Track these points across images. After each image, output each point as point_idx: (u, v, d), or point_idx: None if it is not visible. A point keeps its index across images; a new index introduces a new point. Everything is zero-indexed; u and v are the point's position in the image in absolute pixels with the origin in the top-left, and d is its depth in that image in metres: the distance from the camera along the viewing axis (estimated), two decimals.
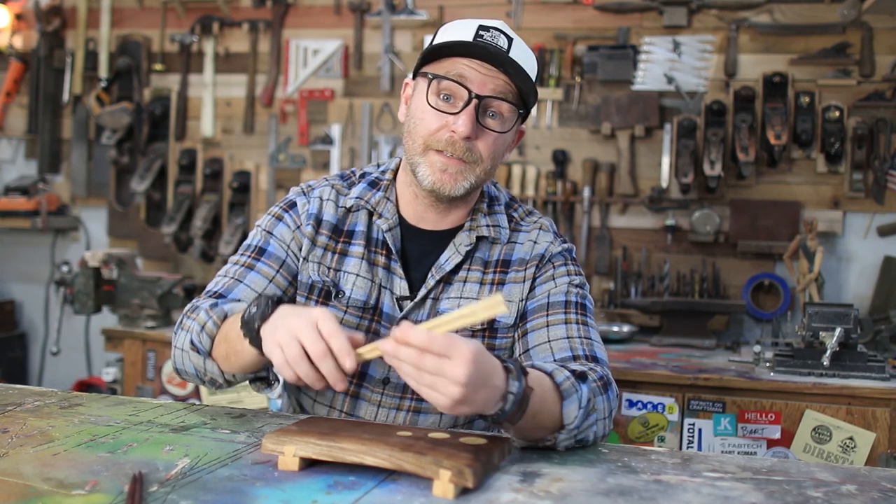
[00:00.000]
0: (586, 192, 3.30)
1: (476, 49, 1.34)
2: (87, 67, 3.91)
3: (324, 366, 1.09)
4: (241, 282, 1.43)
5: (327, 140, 3.60)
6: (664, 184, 3.24)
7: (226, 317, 1.32)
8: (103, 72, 3.85)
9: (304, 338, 1.09)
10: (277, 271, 1.47)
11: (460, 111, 1.35)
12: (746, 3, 3.19)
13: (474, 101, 1.35)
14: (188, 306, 1.41)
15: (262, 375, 1.36)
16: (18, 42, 4.02)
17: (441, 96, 1.37)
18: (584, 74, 3.33)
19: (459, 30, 1.38)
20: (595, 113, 3.32)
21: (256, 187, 3.68)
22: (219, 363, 1.33)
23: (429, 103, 1.38)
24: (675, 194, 3.20)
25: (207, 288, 1.45)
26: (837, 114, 3.05)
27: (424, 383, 1.03)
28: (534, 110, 3.36)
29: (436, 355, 1.01)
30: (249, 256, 1.47)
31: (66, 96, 3.95)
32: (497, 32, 1.37)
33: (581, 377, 1.26)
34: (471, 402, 1.04)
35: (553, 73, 3.36)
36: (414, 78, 1.46)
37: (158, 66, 3.82)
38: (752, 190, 3.19)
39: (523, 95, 1.38)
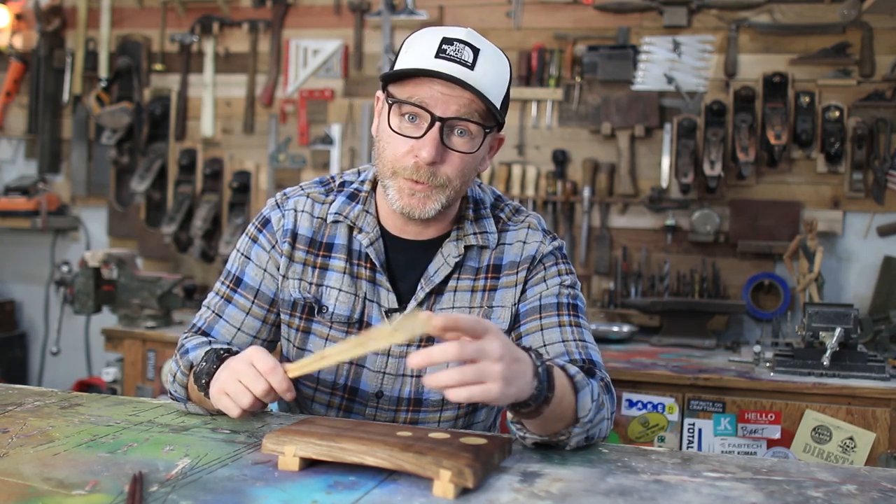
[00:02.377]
0: (586, 192, 3.30)
1: (436, 73, 1.28)
2: (87, 67, 3.91)
3: (267, 399, 1.23)
4: (220, 317, 1.50)
5: (327, 140, 3.60)
6: (664, 184, 3.24)
7: (192, 366, 1.38)
8: (103, 72, 3.85)
9: (244, 379, 1.22)
10: (253, 302, 1.49)
11: (424, 135, 1.31)
12: (746, 3, 3.19)
13: (437, 124, 1.30)
14: (178, 344, 1.48)
15: None
16: (18, 42, 4.02)
17: (406, 118, 1.33)
18: (584, 74, 3.33)
19: (423, 44, 1.32)
20: (595, 113, 3.32)
21: (256, 187, 3.68)
22: (198, 405, 1.41)
23: (391, 128, 1.34)
24: (675, 194, 3.20)
25: (193, 321, 1.52)
26: (837, 114, 3.05)
27: (470, 379, 1.03)
28: (534, 109, 3.38)
29: (471, 339, 1.03)
30: (228, 286, 1.51)
31: (66, 96, 3.95)
32: (461, 45, 1.30)
33: (589, 373, 1.29)
34: (513, 378, 1.05)
35: (553, 73, 3.36)
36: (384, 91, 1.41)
37: (158, 66, 3.83)
38: (752, 190, 3.19)
39: (492, 110, 1.32)
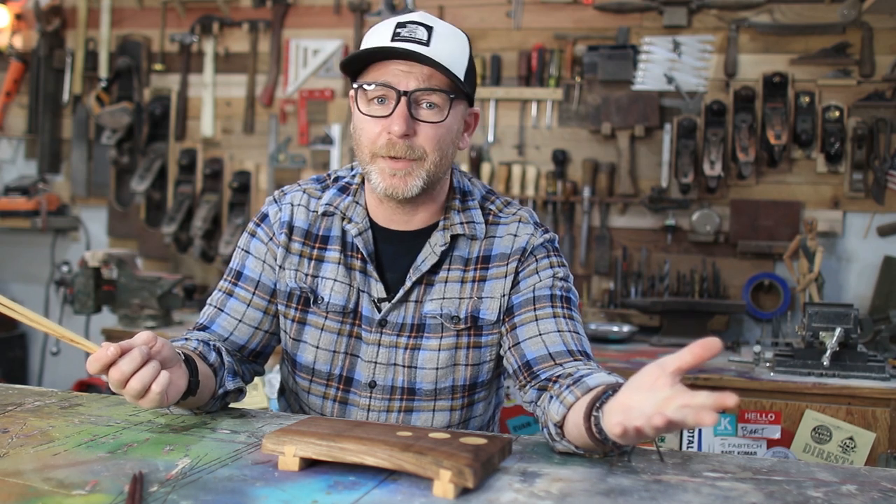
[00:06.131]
0: (586, 192, 3.30)
1: (391, 52, 1.35)
2: (87, 67, 3.91)
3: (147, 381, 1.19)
4: (221, 310, 1.52)
5: (327, 140, 3.60)
6: (664, 184, 3.24)
7: None
8: (103, 72, 3.85)
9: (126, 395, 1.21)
10: (254, 293, 1.52)
11: (392, 111, 1.36)
12: (746, 3, 3.19)
13: (403, 98, 1.35)
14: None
15: (229, 390, 1.41)
16: (18, 42, 4.02)
17: (375, 101, 1.38)
18: (584, 74, 3.33)
19: (380, 32, 1.39)
20: (595, 113, 3.32)
21: (256, 187, 3.68)
22: (180, 407, 1.38)
23: (362, 112, 1.39)
24: (675, 194, 3.20)
25: (198, 319, 1.54)
26: (837, 114, 3.05)
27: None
28: (534, 109, 3.38)
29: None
30: (229, 281, 1.54)
31: (66, 96, 3.95)
32: (415, 26, 1.37)
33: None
34: None
35: (553, 73, 3.36)
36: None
37: (158, 66, 3.83)
38: (752, 190, 3.19)
39: (455, 82, 1.37)
